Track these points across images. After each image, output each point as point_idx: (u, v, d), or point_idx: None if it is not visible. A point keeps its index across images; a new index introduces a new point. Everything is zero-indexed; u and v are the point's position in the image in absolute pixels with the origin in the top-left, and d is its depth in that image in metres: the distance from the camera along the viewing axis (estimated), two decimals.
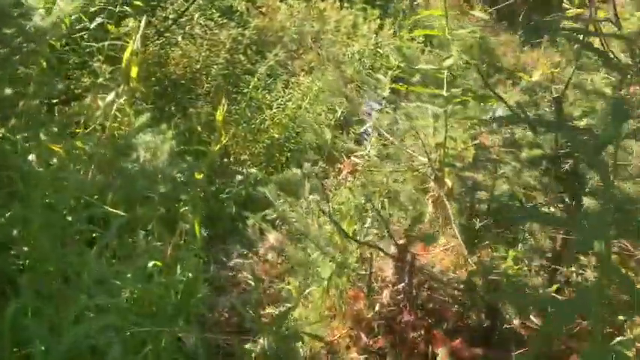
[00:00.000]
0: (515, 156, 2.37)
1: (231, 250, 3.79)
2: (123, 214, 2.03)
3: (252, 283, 3.14)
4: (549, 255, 2.41)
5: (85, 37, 3.29)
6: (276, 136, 4.53)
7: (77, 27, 3.26)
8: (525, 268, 2.47)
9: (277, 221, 3.51)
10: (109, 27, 3.27)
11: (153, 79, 4.18)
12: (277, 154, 4.54)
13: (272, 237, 3.35)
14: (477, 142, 2.74)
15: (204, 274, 3.02)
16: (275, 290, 3.01)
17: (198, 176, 2.55)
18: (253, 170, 3.94)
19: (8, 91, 2.03)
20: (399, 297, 2.18)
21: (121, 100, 2.52)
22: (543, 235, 2.51)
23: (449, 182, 2.52)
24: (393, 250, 2.29)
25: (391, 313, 2.14)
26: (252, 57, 4.90)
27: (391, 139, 3.05)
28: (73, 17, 3.15)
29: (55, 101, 2.90)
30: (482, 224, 2.57)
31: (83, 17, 3.07)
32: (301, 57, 7.18)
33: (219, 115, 2.49)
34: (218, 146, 2.52)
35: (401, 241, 2.29)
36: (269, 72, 4.72)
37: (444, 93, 2.50)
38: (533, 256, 2.42)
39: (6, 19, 2.09)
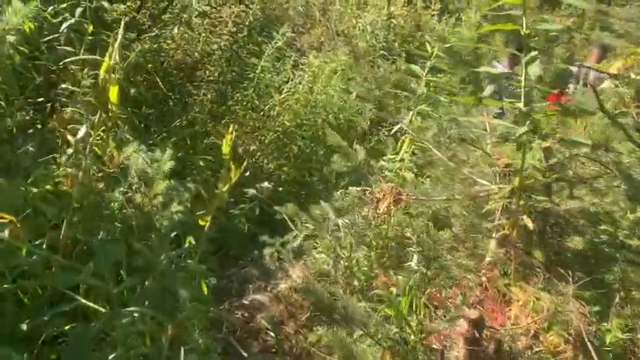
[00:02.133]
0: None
1: (246, 278, 3.26)
2: (102, 309, 1.46)
3: (273, 334, 2.62)
4: None
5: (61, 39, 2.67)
6: (287, 123, 4.06)
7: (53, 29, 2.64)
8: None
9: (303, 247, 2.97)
10: (86, 26, 2.65)
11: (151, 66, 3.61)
12: (289, 143, 4.09)
13: (295, 272, 2.80)
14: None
15: (216, 334, 2.51)
16: (303, 348, 2.48)
17: (202, 222, 1.99)
18: (266, 184, 3.37)
19: None
20: None
21: (99, 132, 1.92)
22: None
23: (529, 223, 1.92)
24: (464, 325, 1.72)
25: None
26: (256, 38, 4.29)
27: (439, 154, 2.45)
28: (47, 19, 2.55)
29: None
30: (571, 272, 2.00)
31: (50, 17, 2.44)
32: (309, 32, 6.53)
33: (225, 147, 1.90)
34: (227, 186, 1.94)
35: (473, 314, 1.73)
36: (276, 53, 4.14)
37: (522, 106, 1.88)
38: None
39: None
